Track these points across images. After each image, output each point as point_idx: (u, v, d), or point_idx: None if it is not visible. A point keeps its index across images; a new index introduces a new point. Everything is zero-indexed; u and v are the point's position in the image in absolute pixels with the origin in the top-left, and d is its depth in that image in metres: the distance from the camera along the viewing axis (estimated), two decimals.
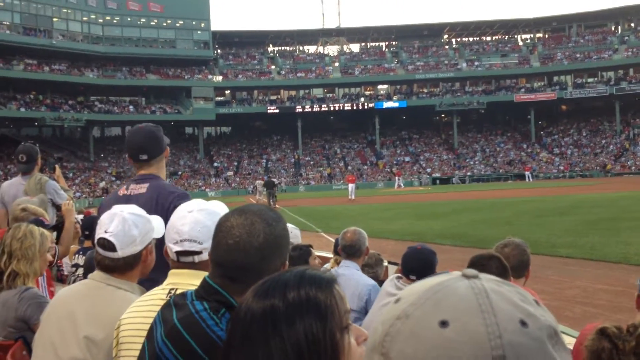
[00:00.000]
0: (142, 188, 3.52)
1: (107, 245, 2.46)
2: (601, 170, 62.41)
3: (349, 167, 71.06)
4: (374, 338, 0.76)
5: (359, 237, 4.83)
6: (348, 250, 4.77)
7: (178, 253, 2.15)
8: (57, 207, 5.93)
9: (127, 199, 3.43)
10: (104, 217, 2.54)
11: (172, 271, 2.19)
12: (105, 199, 3.73)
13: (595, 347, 1.82)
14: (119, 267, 2.49)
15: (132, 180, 3.65)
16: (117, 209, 2.56)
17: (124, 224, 2.46)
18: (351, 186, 42.64)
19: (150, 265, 2.59)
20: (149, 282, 2.47)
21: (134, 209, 2.57)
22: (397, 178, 61.97)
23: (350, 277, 4.65)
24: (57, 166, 7.00)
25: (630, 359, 1.79)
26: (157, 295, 2.13)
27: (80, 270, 5.58)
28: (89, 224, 6.11)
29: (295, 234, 5.91)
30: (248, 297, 1.28)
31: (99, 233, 2.50)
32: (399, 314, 0.73)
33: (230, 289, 1.71)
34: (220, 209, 2.30)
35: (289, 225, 5.93)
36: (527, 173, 62.18)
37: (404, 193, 48.52)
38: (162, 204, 3.34)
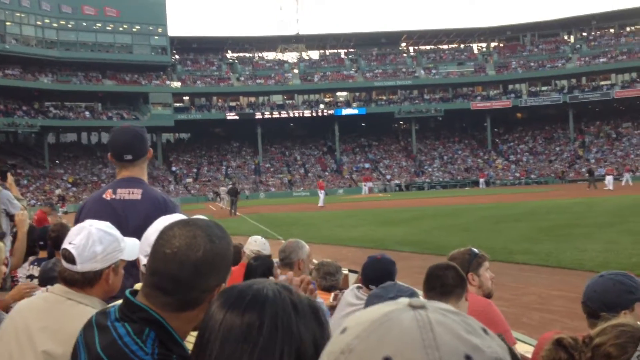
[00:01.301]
0: (135, 194, 3.42)
1: (68, 257, 2.41)
2: (557, 177, 63.72)
3: (309, 174, 71.18)
4: None
5: (293, 245, 4.76)
6: (280, 256, 4.75)
7: None
8: (11, 217, 5.79)
9: (122, 204, 3.37)
10: (74, 229, 2.49)
11: (140, 284, 2.15)
12: (87, 204, 3.54)
13: (552, 357, 1.86)
14: (77, 282, 2.43)
15: (116, 183, 3.51)
16: (87, 222, 2.51)
17: (88, 239, 2.41)
18: (322, 192, 42.00)
19: (115, 287, 2.52)
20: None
21: (104, 225, 2.51)
22: (364, 184, 62.28)
23: None
24: (9, 174, 6.84)
25: None
26: None
27: (35, 282, 5.44)
28: (44, 235, 5.98)
29: (265, 247, 5.94)
30: (221, 312, 1.26)
31: (64, 244, 2.46)
32: (343, 348, 0.72)
33: (157, 302, 1.64)
34: None
35: (260, 238, 5.91)
36: (481, 180, 63.07)
37: (365, 200, 48.76)
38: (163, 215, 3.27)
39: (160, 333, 1.60)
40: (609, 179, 44.47)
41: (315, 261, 6.06)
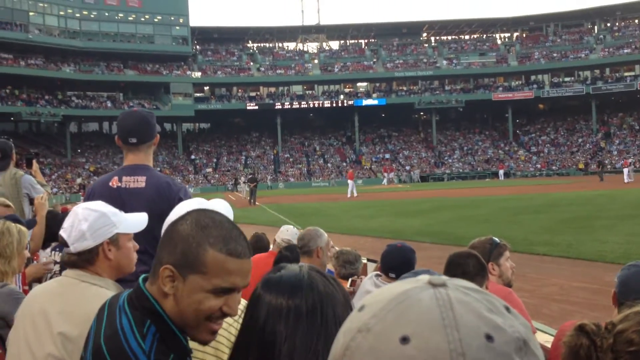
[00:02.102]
0: (139, 182, 3.46)
1: (62, 241, 2.46)
2: (578, 169, 63.02)
3: (329, 164, 71.17)
4: (335, 349, 0.73)
5: (312, 233, 4.72)
6: (300, 247, 4.70)
7: None
8: (32, 202, 5.85)
9: (127, 193, 3.42)
10: (67, 216, 2.52)
11: None
12: (94, 190, 3.56)
13: (573, 343, 1.84)
14: (77, 263, 2.45)
15: (121, 170, 3.55)
16: (76, 206, 2.55)
17: (74, 219, 2.44)
18: (350, 183, 41.48)
19: (122, 262, 2.51)
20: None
21: (92, 204, 2.53)
22: (385, 174, 62.08)
23: None
24: (34, 161, 6.89)
25: (608, 356, 1.80)
26: None
27: (57, 267, 5.49)
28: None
29: (296, 237, 5.90)
30: (283, 300, 1.37)
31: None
32: (360, 326, 0.70)
33: (151, 284, 1.65)
34: (221, 209, 2.28)
35: (291, 228, 5.86)
36: (500, 171, 62.55)
37: (384, 191, 48.63)
38: (167, 200, 3.31)
39: (159, 326, 1.60)
40: (626, 171, 44.01)
41: (336, 248, 6.06)
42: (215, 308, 1.56)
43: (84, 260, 2.45)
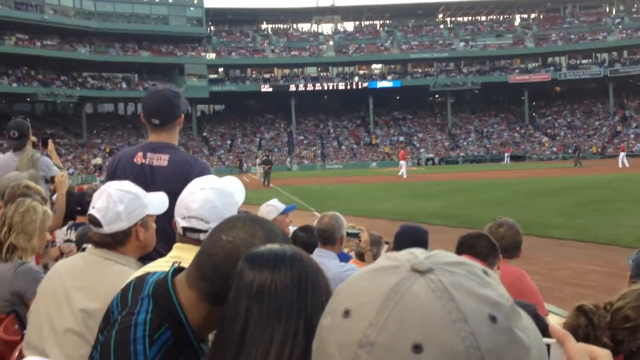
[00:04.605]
0: (163, 160, 3.46)
1: (94, 221, 2.47)
2: (595, 153, 62.36)
3: (343, 147, 71.07)
4: None
5: (334, 223, 4.54)
6: (321, 234, 4.53)
7: (184, 229, 2.18)
8: (49, 180, 5.91)
9: (150, 170, 3.43)
10: (96, 194, 2.55)
11: (177, 244, 2.21)
12: (119, 163, 3.54)
13: (572, 324, 1.90)
14: (108, 243, 2.49)
15: (147, 146, 3.55)
16: (106, 185, 2.57)
17: (109, 200, 2.46)
18: (403, 163, 41.38)
19: (149, 242, 2.58)
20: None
21: (123, 185, 2.56)
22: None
23: (328, 268, 4.17)
24: (50, 141, 6.94)
25: (605, 333, 1.86)
26: (161, 267, 2.04)
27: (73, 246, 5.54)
28: (81, 200, 6.08)
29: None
30: (267, 275, 1.32)
31: (89, 209, 2.52)
32: (360, 340, 0.62)
33: (193, 284, 1.60)
34: (234, 187, 2.31)
35: (265, 207, 5.73)
36: (505, 154, 62.07)
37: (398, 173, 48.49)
38: (187, 179, 3.25)
39: (176, 333, 1.58)
40: (621, 155, 43.77)
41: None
42: None
43: (117, 241, 2.49)
